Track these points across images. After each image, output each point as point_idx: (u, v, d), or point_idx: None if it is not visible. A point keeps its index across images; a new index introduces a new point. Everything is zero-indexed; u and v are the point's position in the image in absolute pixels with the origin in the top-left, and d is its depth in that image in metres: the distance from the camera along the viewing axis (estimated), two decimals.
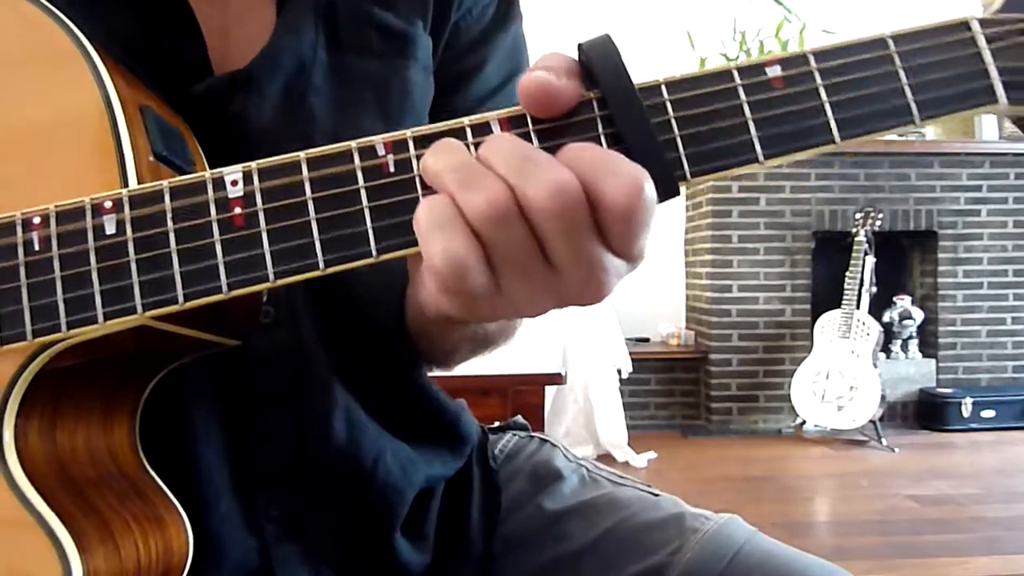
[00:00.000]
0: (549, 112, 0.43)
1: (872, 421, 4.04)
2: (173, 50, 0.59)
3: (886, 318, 4.55)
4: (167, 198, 0.44)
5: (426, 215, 0.40)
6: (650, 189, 0.39)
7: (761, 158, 0.43)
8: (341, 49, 0.64)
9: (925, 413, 4.52)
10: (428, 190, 0.42)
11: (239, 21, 0.63)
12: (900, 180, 4.56)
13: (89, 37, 0.50)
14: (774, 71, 0.43)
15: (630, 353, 4.04)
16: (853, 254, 4.15)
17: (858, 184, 4.53)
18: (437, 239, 0.39)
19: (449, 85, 0.71)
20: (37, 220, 0.45)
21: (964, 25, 0.44)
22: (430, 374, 0.76)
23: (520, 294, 0.42)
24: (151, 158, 0.49)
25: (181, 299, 0.44)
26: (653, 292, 4.81)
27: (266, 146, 0.59)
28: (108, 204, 0.45)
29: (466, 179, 0.40)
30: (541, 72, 0.42)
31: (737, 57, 4.53)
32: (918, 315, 4.64)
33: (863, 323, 4.12)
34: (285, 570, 0.62)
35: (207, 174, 0.44)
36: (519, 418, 0.89)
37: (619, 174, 0.39)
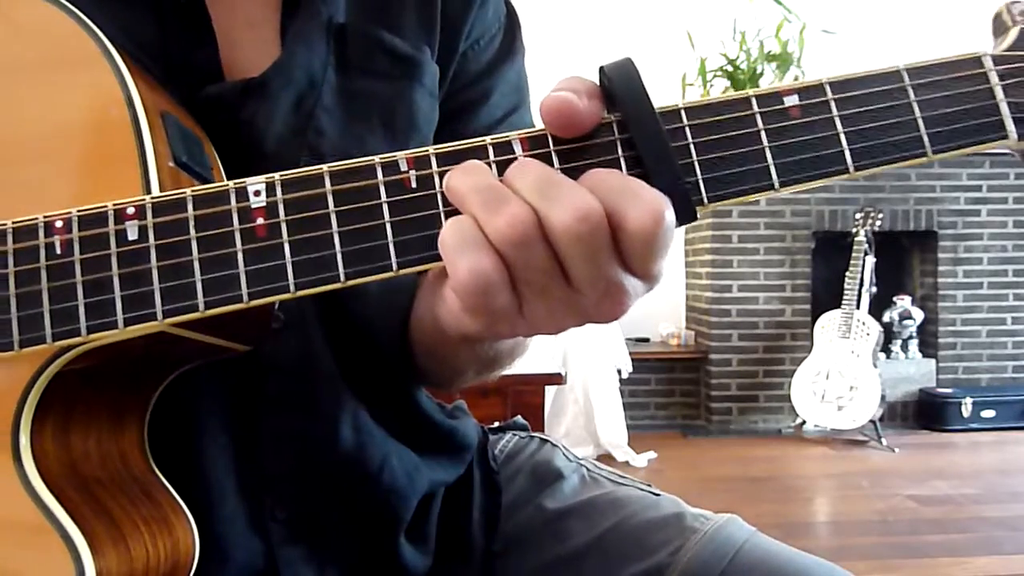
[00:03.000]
0: (570, 132, 0.44)
1: (872, 421, 4.04)
2: (186, 54, 0.60)
3: (886, 318, 4.55)
4: (190, 206, 0.45)
5: (452, 235, 0.41)
6: (670, 215, 0.41)
7: (777, 185, 0.44)
8: (349, 69, 0.65)
9: (925, 413, 4.52)
10: (450, 207, 0.43)
11: (248, 29, 0.64)
12: (900, 180, 4.56)
13: (108, 37, 0.50)
14: (791, 100, 0.44)
15: (630, 353, 4.04)
16: (853, 254, 4.14)
17: (858, 184, 4.53)
18: (463, 258, 0.40)
19: (455, 113, 0.72)
20: (59, 224, 0.46)
21: (976, 61, 0.44)
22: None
23: (540, 313, 0.43)
24: (172, 164, 0.49)
25: (202, 307, 0.44)
26: (653, 292, 4.79)
27: (275, 155, 0.60)
28: (131, 210, 0.45)
29: (490, 201, 0.41)
30: (563, 92, 0.43)
31: (737, 57, 4.53)
32: (918, 315, 4.64)
33: (863, 323, 4.12)
34: (290, 571, 0.62)
35: (231, 184, 0.45)
36: (519, 418, 0.90)
37: (641, 200, 0.40)
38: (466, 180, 0.42)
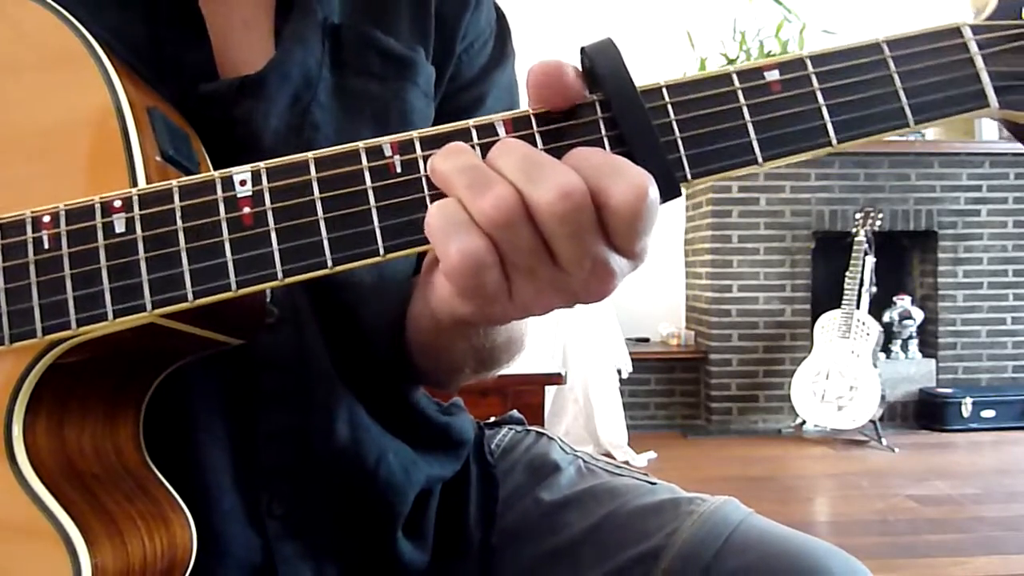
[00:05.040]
0: (553, 99, 0.44)
1: (872, 421, 4.04)
2: (179, 51, 0.60)
3: (886, 318, 4.55)
4: (176, 197, 0.45)
5: (438, 218, 0.41)
6: (654, 192, 0.41)
7: (760, 160, 0.44)
8: (344, 69, 0.65)
9: (925, 413, 4.51)
10: (435, 190, 0.43)
11: (242, 28, 0.64)
12: (900, 180, 4.55)
13: (96, 37, 0.50)
14: (772, 75, 0.44)
15: (630, 353, 4.04)
16: (853, 254, 4.14)
17: (858, 184, 4.53)
18: (452, 240, 0.40)
19: (450, 117, 0.72)
20: (47, 219, 0.46)
21: (956, 31, 0.45)
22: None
23: (527, 293, 0.43)
24: (159, 159, 0.49)
25: (190, 297, 0.44)
26: (653, 292, 4.81)
27: (271, 152, 0.59)
28: (118, 203, 0.45)
29: (474, 183, 0.41)
30: (552, 60, 0.43)
31: (737, 57, 4.53)
32: (918, 315, 4.63)
33: (863, 323, 4.12)
34: (287, 567, 0.62)
35: (216, 173, 0.45)
36: (515, 412, 0.90)
37: (625, 177, 0.40)
38: (450, 162, 0.42)
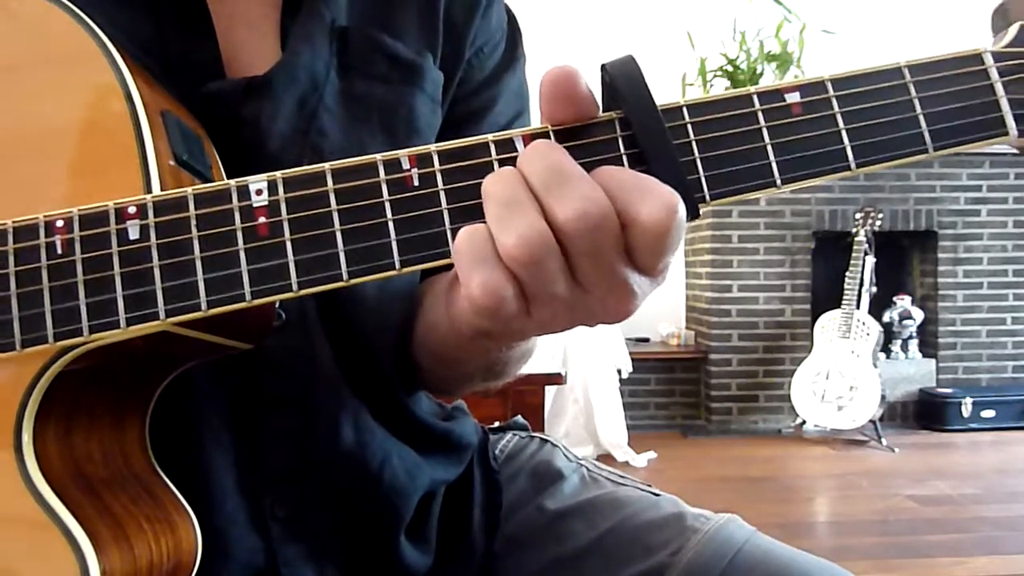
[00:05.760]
0: (567, 106, 0.43)
1: (872, 421, 4.04)
2: (185, 49, 0.60)
3: (886, 318, 4.56)
4: (191, 205, 0.45)
5: (466, 245, 0.41)
6: (683, 210, 0.41)
7: (779, 182, 0.44)
8: (350, 72, 0.65)
9: (925, 413, 4.52)
10: (452, 205, 0.43)
11: (247, 28, 0.63)
12: (900, 180, 4.56)
13: (107, 36, 0.50)
14: (793, 97, 0.44)
15: (630, 353, 4.04)
16: (853, 254, 4.15)
17: (858, 184, 4.53)
18: (475, 272, 0.41)
19: (460, 121, 0.72)
20: (60, 223, 0.46)
21: (977, 58, 0.45)
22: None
23: (545, 313, 0.43)
24: (172, 162, 0.49)
25: (204, 306, 0.44)
26: (653, 292, 4.80)
27: (277, 154, 0.59)
28: (132, 209, 0.45)
29: (503, 216, 0.41)
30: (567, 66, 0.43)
31: (737, 57, 4.53)
32: (918, 315, 4.64)
33: (863, 323, 4.12)
34: (290, 570, 0.62)
35: (232, 183, 0.45)
36: (519, 418, 0.90)
37: (653, 195, 0.40)
38: (495, 187, 0.42)
